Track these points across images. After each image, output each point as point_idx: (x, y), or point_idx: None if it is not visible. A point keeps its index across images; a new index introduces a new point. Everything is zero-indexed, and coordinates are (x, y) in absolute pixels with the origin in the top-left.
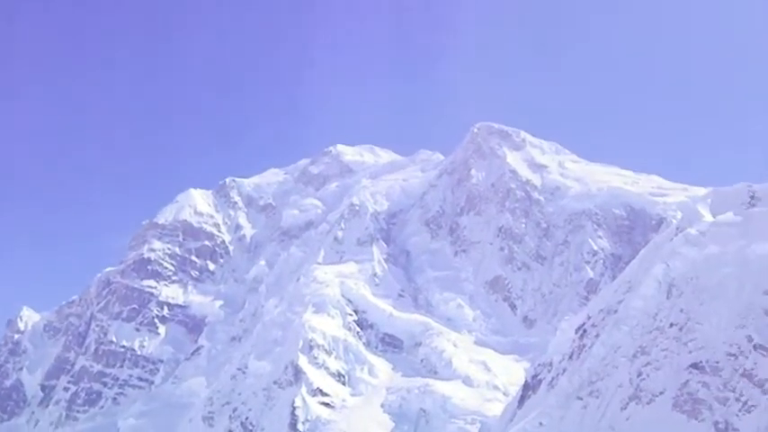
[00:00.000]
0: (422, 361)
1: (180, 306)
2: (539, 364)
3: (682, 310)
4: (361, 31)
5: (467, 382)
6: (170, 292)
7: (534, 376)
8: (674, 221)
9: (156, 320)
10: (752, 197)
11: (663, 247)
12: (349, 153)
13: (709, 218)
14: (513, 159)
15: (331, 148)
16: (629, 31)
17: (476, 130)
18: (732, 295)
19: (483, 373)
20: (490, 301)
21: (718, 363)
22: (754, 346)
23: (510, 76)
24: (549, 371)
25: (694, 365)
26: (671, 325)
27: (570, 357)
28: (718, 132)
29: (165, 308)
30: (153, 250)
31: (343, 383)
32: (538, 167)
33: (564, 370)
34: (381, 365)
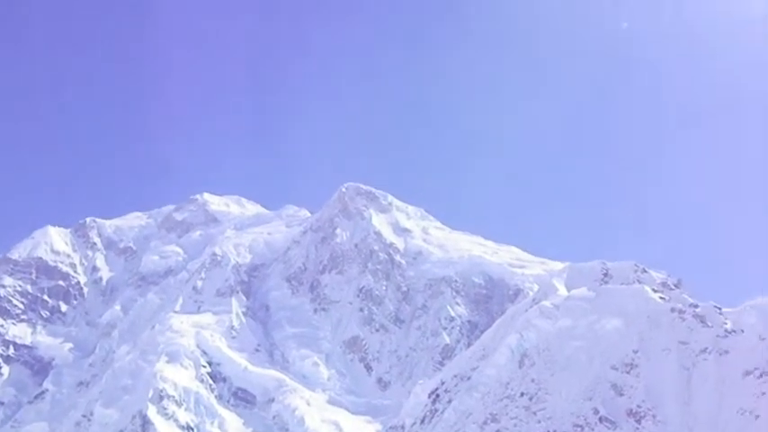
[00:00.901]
0: (274, 417)
1: (26, 346)
2: (390, 427)
3: (533, 380)
4: (231, 80)
5: None
6: (17, 331)
7: None
8: (531, 293)
9: None
10: (605, 274)
11: (518, 318)
12: (215, 202)
13: (563, 292)
14: (378, 222)
15: (197, 196)
16: (497, 101)
17: (344, 190)
18: (581, 368)
19: None
20: (346, 360)
21: None
22: (600, 419)
23: (381, 138)
24: None
25: None
26: (521, 394)
27: (422, 421)
28: (576, 210)
29: (11, 347)
30: (3, 286)
31: None
32: (402, 231)
33: None
34: (232, 420)
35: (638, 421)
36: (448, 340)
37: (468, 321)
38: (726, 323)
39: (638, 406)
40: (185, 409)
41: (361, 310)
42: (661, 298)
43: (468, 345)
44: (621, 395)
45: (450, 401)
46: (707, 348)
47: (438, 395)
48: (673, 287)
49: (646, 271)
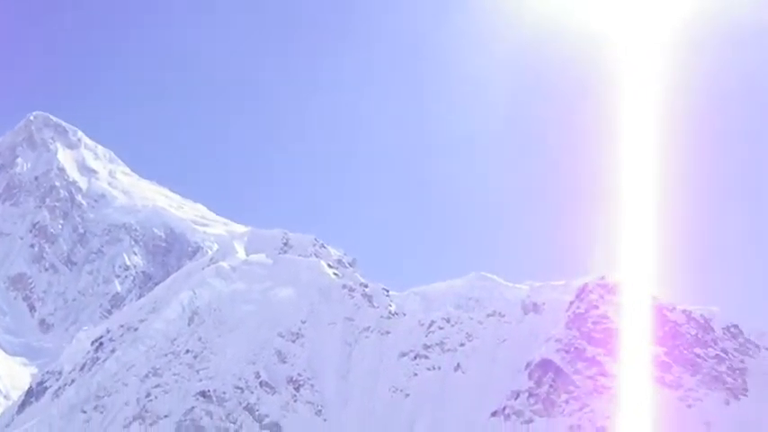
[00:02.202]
0: None
1: None
2: (47, 372)
3: (200, 339)
4: None
5: None
6: None
7: (40, 383)
8: (210, 252)
9: None
10: (285, 243)
11: (194, 275)
12: None
13: (242, 255)
14: (63, 157)
15: None
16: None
17: (31, 118)
18: (249, 332)
19: None
20: (9, 298)
21: (225, 394)
22: (261, 383)
23: (80, 70)
24: (58, 379)
25: (202, 393)
26: (187, 351)
27: (82, 369)
28: (268, 177)
29: None
30: None
31: None
32: (88, 171)
33: (73, 381)
34: None
35: (297, 389)
36: (119, 289)
37: (143, 272)
38: (391, 305)
39: (299, 374)
40: None
41: (32, 246)
42: (335, 274)
43: (140, 296)
44: (284, 362)
45: (113, 351)
46: (370, 327)
47: (102, 343)
48: (347, 265)
49: (324, 246)
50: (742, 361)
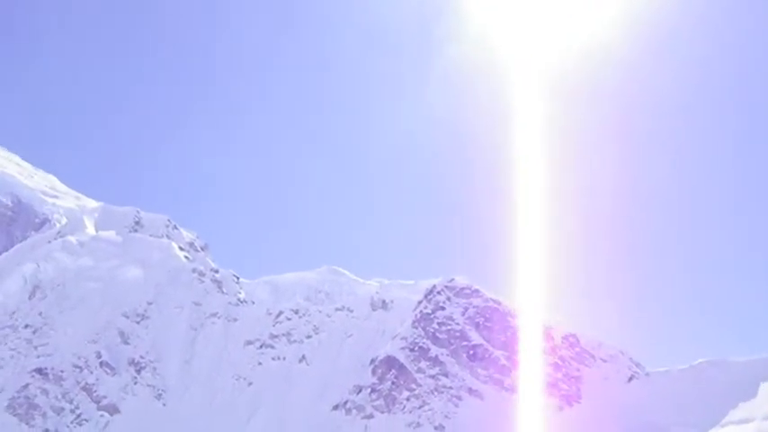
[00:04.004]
0: None
1: None
2: None
3: (40, 314)
4: None
5: None
6: None
7: None
8: (58, 225)
9: None
10: (137, 222)
11: (39, 248)
12: None
13: (92, 231)
14: None
15: None
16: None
17: None
18: (93, 310)
19: None
20: None
21: (62, 372)
22: (101, 363)
23: None
24: None
25: (39, 371)
26: (26, 326)
27: None
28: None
29: None
30: None
31: None
32: None
33: None
34: None
35: (138, 371)
36: None
37: None
38: (240, 293)
39: (142, 357)
40: None
41: None
42: (186, 257)
43: None
44: (127, 343)
45: None
46: (217, 313)
47: None
48: (199, 249)
49: (177, 228)
50: (578, 369)
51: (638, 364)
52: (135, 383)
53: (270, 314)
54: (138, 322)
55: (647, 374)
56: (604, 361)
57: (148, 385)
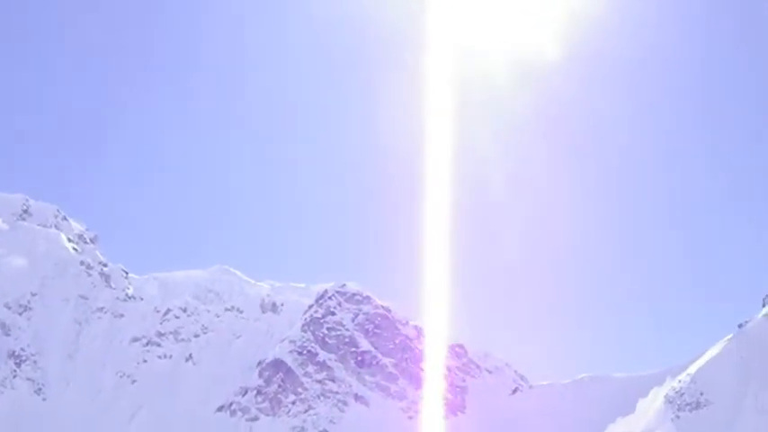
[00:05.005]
0: None
1: None
2: None
3: None
4: None
5: None
6: None
7: None
8: None
9: None
10: (25, 210)
11: None
12: None
13: None
14: None
15: None
16: None
17: None
18: None
19: None
20: None
21: None
22: None
23: None
24: None
25: None
26: None
27: None
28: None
29: None
30: None
31: None
32: None
33: None
34: None
35: (18, 364)
36: None
37: None
38: (128, 288)
39: (23, 349)
40: None
41: None
42: (74, 249)
43: None
44: (8, 335)
45: None
46: (104, 308)
47: None
48: (88, 241)
49: (66, 219)
50: (463, 380)
51: (522, 377)
52: (14, 377)
53: (158, 311)
54: (20, 313)
55: (530, 387)
56: (490, 372)
57: (28, 379)
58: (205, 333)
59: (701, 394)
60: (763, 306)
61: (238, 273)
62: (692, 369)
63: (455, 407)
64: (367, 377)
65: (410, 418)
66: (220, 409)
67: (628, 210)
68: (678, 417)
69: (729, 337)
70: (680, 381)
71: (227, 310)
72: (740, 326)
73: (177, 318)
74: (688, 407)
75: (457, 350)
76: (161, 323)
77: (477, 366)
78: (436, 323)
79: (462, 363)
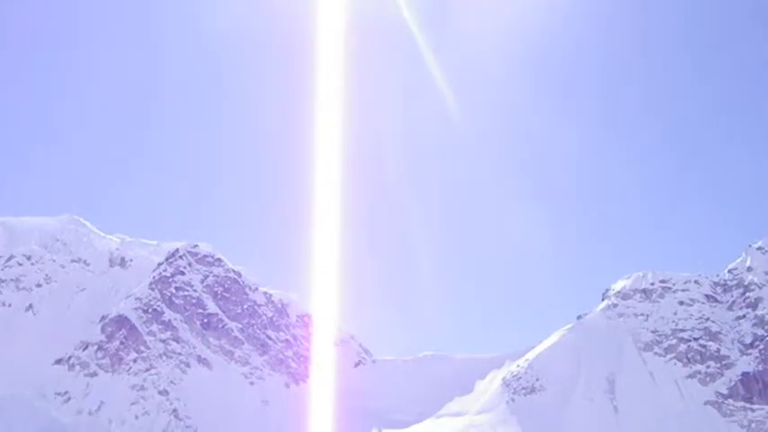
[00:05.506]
0: None
1: None
2: None
3: None
4: None
5: None
6: None
7: None
8: None
9: None
10: None
11: None
12: None
13: None
14: None
15: None
16: None
17: None
18: None
19: None
20: None
21: None
22: None
23: None
24: None
25: None
26: None
27: None
28: None
29: None
30: None
31: None
32: None
33: None
34: None
35: None
36: None
37: None
38: None
39: None
40: None
41: None
42: None
43: None
44: None
45: None
46: None
47: None
48: None
49: None
50: (308, 349)
51: (366, 351)
52: None
53: (0, 257)
54: None
55: (373, 361)
56: (335, 344)
57: None
58: (48, 283)
59: (537, 380)
60: (602, 300)
61: (88, 224)
62: (531, 355)
63: (298, 376)
64: (212, 340)
65: (252, 384)
66: (58, 362)
67: (486, 192)
68: (513, 400)
69: (568, 327)
70: (518, 365)
71: (73, 261)
72: (579, 317)
73: (20, 265)
74: (523, 390)
75: (305, 320)
76: (2, 269)
77: (324, 337)
78: (288, 292)
79: (308, 332)
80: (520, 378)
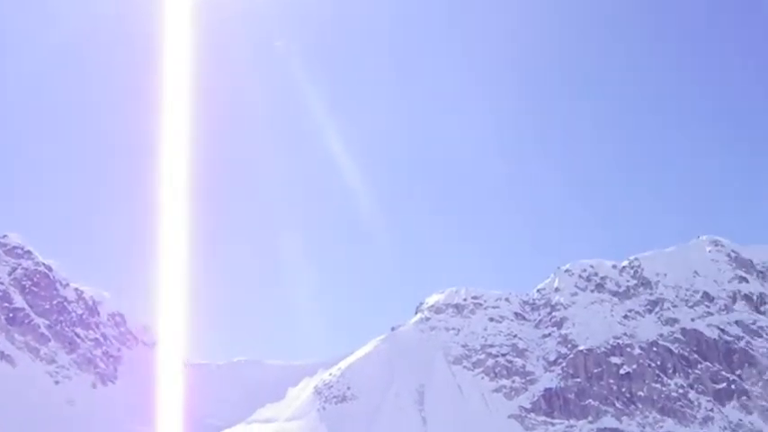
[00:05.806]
0: None
1: None
2: None
3: None
4: None
5: None
6: None
7: None
8: None
9: None
10: None
11: None
12: None
13: None
14: None
15: None
16: None
17: None
18: None
19: None
20: None
21: None
22: None
23: None
24: None
25: None
26: None
27: None
28: None
29: None
30: None
31: None
32: None
33: None
34: None
35: None
36: None
37: None
38: None
39: None
40: None
41: None
42: None
43: None
44: None
45: None
46: None
47: None
48: None
49: None
50: (119, 349)
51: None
52: None
53: None
54: None
55: (186, 365)
56: (146, 345)
57: None
58: None
59: (348, 388)
60: (416, 313)
61: None
62: (343, 364)
63: (106, 376)
64: (17, 335)
65: (57, 382)
66: None
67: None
68: (324, 408)
69: (382, 338)
70: (330, 374)
71: None
72: (393, 329)
73: None
74: (335, 399)
75: (116, 319)
76: None
77: (135, 338)
78: (101, 290)
79: (120, 332)
80: (331, 386)
